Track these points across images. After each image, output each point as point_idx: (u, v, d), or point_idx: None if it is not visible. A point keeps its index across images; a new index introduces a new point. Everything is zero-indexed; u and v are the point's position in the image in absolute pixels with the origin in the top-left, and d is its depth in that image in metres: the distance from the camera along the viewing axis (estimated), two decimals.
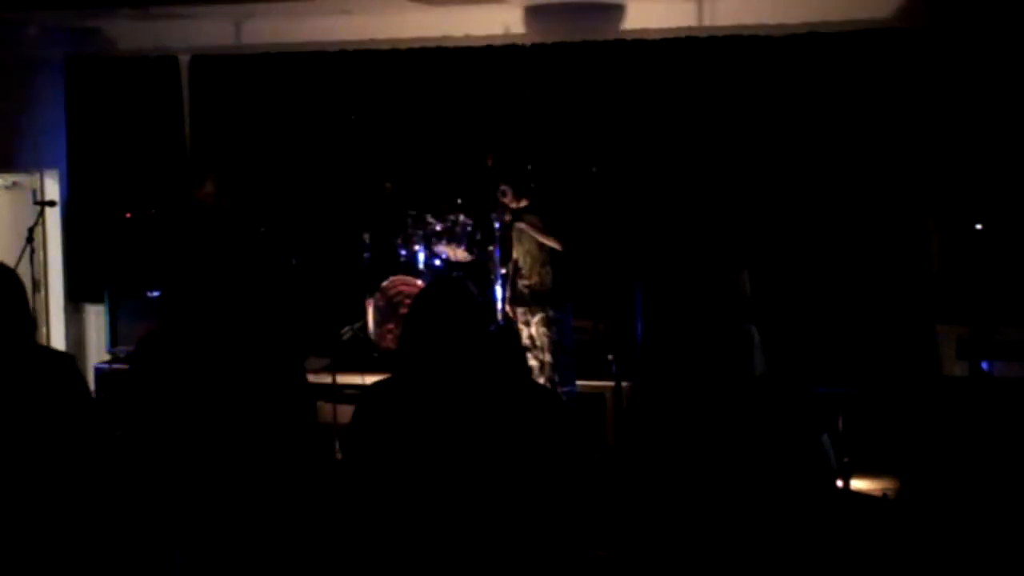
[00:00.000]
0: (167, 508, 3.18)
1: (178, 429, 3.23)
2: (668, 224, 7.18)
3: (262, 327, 3.40)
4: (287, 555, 3.21)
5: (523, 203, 6.28)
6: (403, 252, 7.39)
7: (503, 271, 6.94)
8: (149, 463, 3.22)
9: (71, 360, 3.20)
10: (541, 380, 6.13)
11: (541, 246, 6.24)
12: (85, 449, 3.09)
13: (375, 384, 2.92)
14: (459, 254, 7.23)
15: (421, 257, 7.30)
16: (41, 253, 7.75)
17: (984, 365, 5.97)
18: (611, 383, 6.30)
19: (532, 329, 6.28)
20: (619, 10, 7.48)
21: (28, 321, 3.13)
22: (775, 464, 2.78)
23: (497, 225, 7.05)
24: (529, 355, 6.21)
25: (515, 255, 6.41)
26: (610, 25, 7.50)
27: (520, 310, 6.35)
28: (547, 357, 6.21)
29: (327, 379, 6.49)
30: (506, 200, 6.31)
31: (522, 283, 6.32)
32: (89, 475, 3.09)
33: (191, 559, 3.17)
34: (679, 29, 7.34)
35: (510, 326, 6.14)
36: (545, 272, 6.24)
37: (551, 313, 6.22)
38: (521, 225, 6.28)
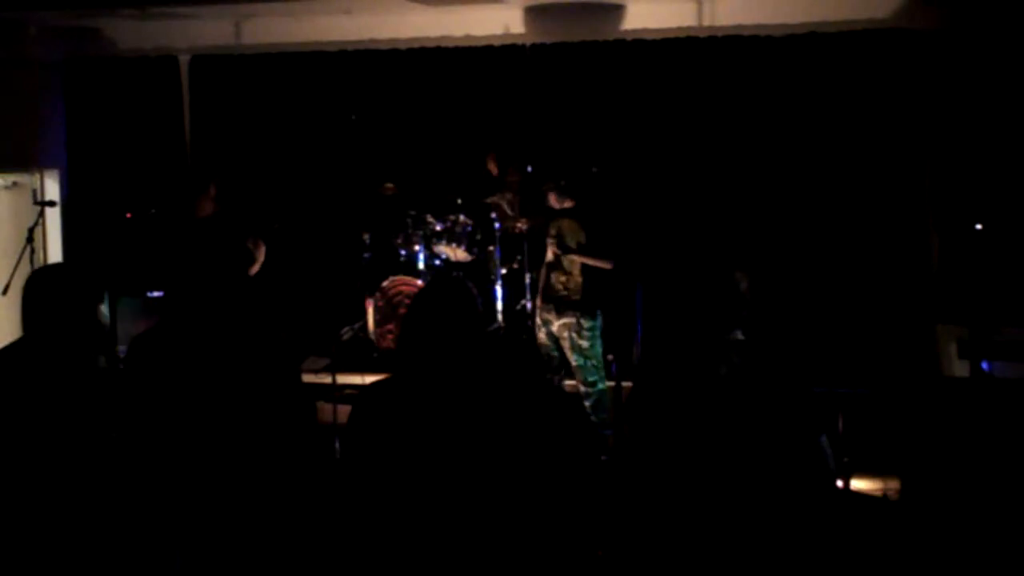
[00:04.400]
0: (166, 509, 3.18)
1: (175, 430, 3.22)
2: (669, 224, 7.18)
3: (259, 328, 3.39)
4: (286, 555, 3.20)
5: (567, 204, 6.15)
6: (403, 252, 7.39)
7: (503, 271, 6.91)
8: (146, 464, 3.21)
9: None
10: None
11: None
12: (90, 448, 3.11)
13: (373, 384, 2.91)
14: (459, 254, 7.22)
15: (421, 257, 7.30)
16: (41, 253, 7.72)
17: (984, 365, 5.96)
18: (611, 383, 6.29)
19: (553, 328, 6.18)
20: (619, 10, 7.47)
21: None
22: (773, 464, 2.78)
23: (497, 226, 7.04)
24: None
25: (552, 253, 6.22)
26: (609, 25, 7.50)
27: (546, 307, 6.22)
28: (574, 360, 6.15)
29: (327, 379, 6.48)
30: (551, 202, 6.18)
31: (558, 280, 6.13)
32: (94, 474, 3.10)
33: (191, 561, 3.16)
34: (679, 29, 7.35)
35: (513, 326, 6.09)
36: (579, 276, 6.09)
37: (583, 320, 6.10)
38: (562, 226, 6.12)
